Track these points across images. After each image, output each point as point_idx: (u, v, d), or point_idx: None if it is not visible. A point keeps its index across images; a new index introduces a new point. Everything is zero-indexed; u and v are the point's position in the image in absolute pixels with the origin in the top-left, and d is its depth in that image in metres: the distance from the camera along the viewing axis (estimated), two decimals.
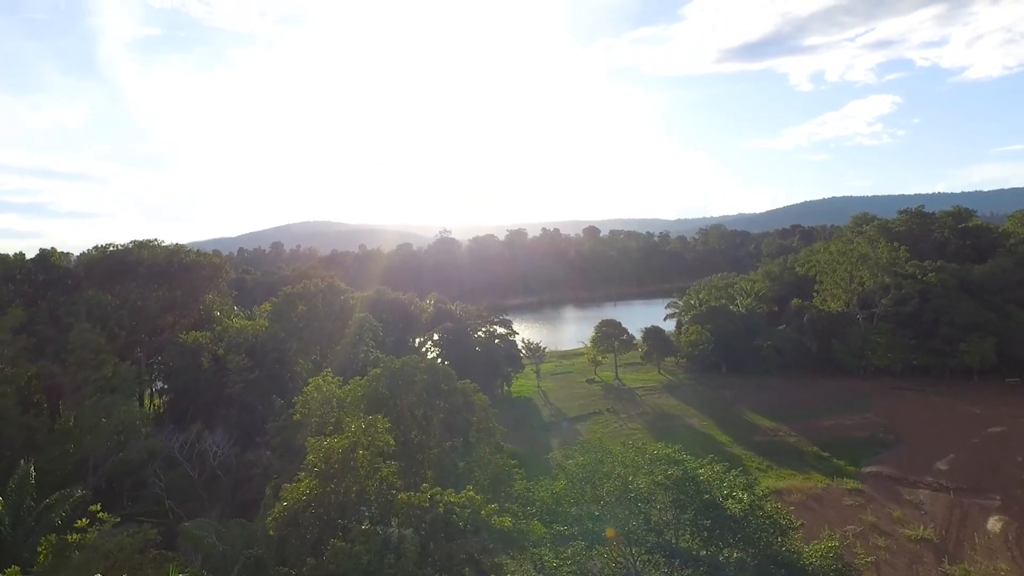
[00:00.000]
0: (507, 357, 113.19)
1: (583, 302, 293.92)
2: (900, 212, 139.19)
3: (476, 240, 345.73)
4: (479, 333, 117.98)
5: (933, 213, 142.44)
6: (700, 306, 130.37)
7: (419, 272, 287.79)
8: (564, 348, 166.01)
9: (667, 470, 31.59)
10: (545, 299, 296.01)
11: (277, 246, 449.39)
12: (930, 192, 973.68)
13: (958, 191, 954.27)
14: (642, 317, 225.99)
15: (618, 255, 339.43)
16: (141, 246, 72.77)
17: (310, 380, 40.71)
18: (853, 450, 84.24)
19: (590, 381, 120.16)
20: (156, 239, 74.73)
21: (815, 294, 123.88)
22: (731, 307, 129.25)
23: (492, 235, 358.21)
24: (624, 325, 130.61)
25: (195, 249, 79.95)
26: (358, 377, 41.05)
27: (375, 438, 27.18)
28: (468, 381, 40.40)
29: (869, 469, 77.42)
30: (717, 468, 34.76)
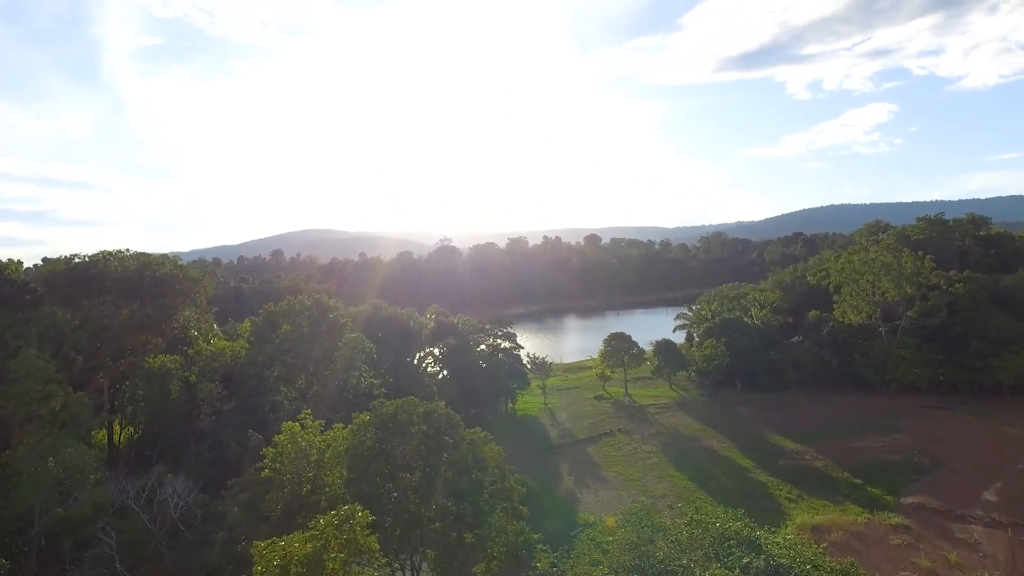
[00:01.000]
0: (512, 373, 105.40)
1: (585, 311, 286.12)
2: (918, 219, 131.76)
3: (476, 248, 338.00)
4: (482, 347, 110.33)
5: (951, 220, 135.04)
6: (713, 318, 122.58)
7: (419, 281, 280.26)
8: (569, 360, 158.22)
9: (742, 557, 23.87)
10: (547, 308, 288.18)
11: (277, 254, 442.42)
12: (927, 200, 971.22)
13: (955, 199, 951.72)
14: (646, 327, 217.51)
15: (620, 263, 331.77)
16: (109, 257, 64.46)
17: (283, 427, 32.92)
18: (888, 476, 76.47)
19: (599, 398, 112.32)
20: (127, 249, 66.32)
21: (835, 306, 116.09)
22: (745, 319, 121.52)
23: (493, 243, 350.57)
24: (631, 336, 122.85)
25: (175, 259, 71.53)
26: (340, 425, 33.31)
27: (353, 537, 19.49)
28: (479, 430, 32.59)
29: (910, 500, 69.55)
30: (801, 548, 26.95)
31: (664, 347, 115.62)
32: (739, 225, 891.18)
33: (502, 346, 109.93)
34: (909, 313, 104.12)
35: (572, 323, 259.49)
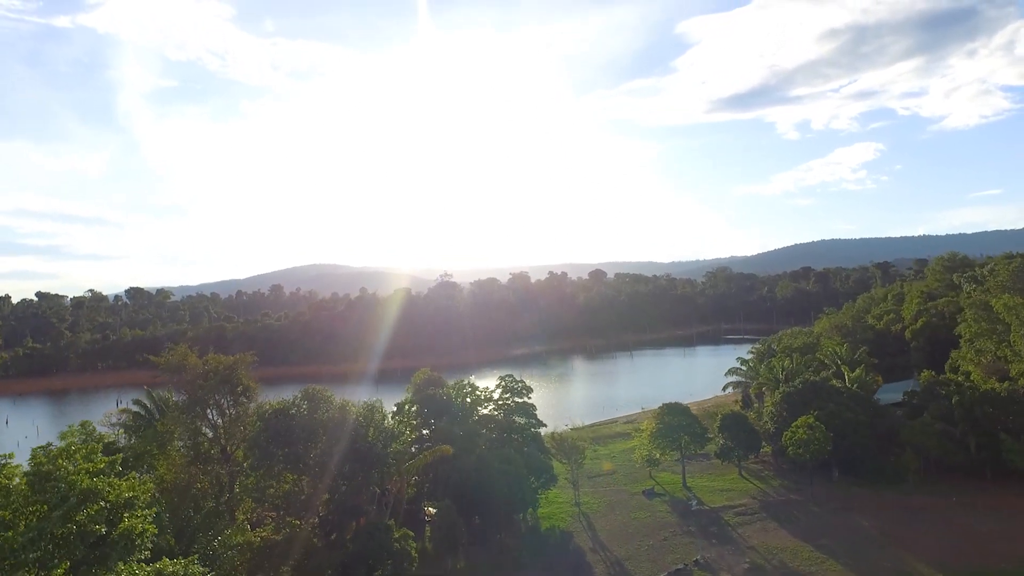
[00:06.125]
0: (533, 466, 69.70)
1: (593, 352, 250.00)
2: None
3: (478, 284, 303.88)
4: (492, 421, 75.33)
5: None
6: (789, 380, 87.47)
7: (418, 319, 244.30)
8: (589, 421, 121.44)
9: None
10: (552, 348, 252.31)
11: (276, 289, 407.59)
12: (914, 235, 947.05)
13: (941, 233, 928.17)
14: (666, 371, 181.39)
15: (627, 300, 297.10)
16: None
17: None
18: None
19: (649, 494, 76.51)
20: None
21: (960, 366, 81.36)
22: (834, 381, 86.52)
23: (494, 278, 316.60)
24: (653, 387, 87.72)
25: None
26: None
27: None
28: None
29: None
30: None
31: (733, 422, 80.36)
32: (732, 260, 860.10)
33: (518, 423, 74.65)
34: None
35: (581, 367, 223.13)
